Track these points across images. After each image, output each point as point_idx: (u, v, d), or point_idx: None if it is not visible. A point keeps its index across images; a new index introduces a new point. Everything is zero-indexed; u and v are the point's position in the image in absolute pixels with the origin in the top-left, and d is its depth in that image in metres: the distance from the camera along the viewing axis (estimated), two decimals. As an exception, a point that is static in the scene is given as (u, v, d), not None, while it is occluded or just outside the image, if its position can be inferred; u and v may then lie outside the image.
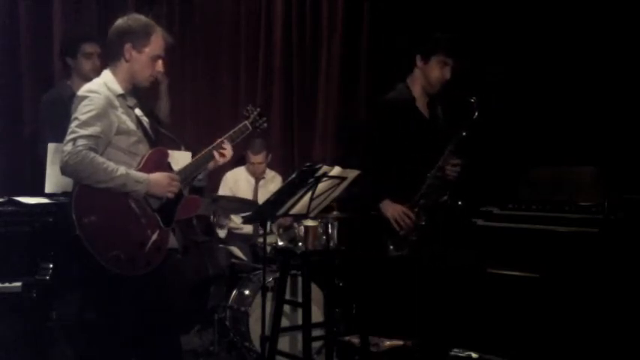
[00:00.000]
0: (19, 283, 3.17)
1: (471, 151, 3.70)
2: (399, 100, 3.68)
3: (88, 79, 3.09)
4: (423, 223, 3.57)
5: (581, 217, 3.87)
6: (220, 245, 4.76)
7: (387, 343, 4.06)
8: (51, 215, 3.29)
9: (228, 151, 3.10)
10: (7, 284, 3.16)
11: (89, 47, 4.04)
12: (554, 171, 4.34)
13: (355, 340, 3.94)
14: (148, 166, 2.88)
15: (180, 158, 3.12)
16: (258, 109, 3.32)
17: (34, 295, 3.18)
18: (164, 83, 4.20)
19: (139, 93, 3.09)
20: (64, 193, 3.37)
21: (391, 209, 3.55)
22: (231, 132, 3.16)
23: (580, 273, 3.73)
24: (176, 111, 4.72)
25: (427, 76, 3.65)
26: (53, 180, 3.45)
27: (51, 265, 3.23)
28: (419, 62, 3.66)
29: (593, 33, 4.61)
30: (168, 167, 2.98)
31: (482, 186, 4.67)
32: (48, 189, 3.47)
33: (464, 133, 3.57)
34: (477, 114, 3.55)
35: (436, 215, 3.59)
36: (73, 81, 4.10)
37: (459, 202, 3.66)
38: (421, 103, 3.73)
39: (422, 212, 3.57)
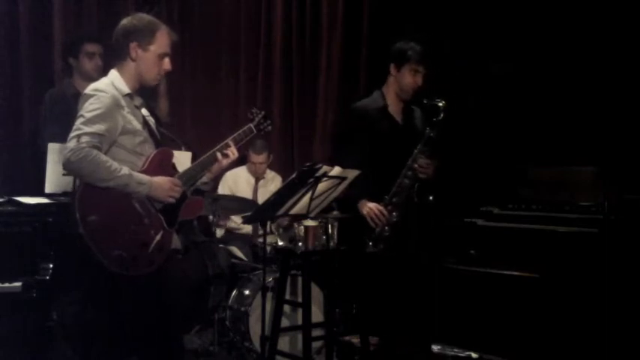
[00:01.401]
0: (19, 283, 3.17)
1: (444, 152, 3.86)
2: (370, 106, 3.88)
3: (90, 79, 3.09)
4: (396, 220, 3.73)
5: (581, 217, 3.87)
6: (220, 245, 4.76)
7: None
8: (51, 215, 3.28)
9: (233, 152, 3.09)
10: (7, 284, 3.16)
11: (91, 47, 4.05)
12: (554, 171, 4.35)
13: (355, 340, 3.94)
14: (153, 167, 2.88)
15: (180, 158, 3.12)
16: (263, 112, 3.32)
17: (34, 295, 3.17)
18: (163, 83, 4.20)
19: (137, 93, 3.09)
20: (64, 193, 3.37)
21: (366, 207, 3.72)
22: (235, 134, 3.15)
23: (580, 273, 3.73)
24: (176, 111, 4.72)
25: (400, 83, 3.84)
26: (53, 180, 3.45)
27: (51, 265, 3.23)
28: (392, 70, 3.86)
29: (593, 33, 4.61)
30: (172, 168, 2.98)
31: (482, 186, 4.68)
32: (48, 189, 3.47)
33: (431, 134, 3.76)
34: (442, 115, 3.73)
35: (408, 212, 3.77)
36: (75, 80, 4.10)
37: (430, 198, 3.77)
38: (394, 109, 3.91)
39: (395, 209, 3.73)
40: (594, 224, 3.76)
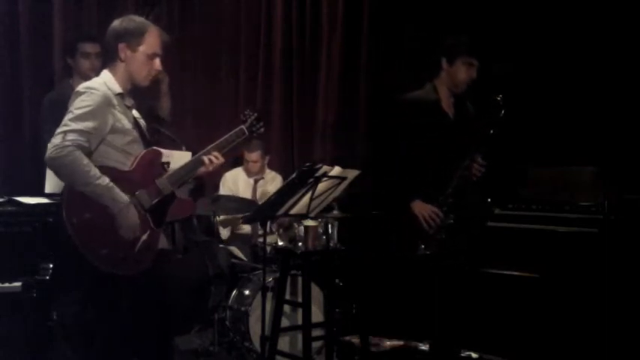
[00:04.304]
0: (19, 283, 3.17)
1: (493, 150, 3.69)
2: (423, 99, 3.70)
3: (88, 79, 3.09)
4: (452, 222, 3.56)
5: (581, 217, 3.87)
6: (220, 245, 4.76)
7: (387, 343, 4.06)
8: (51, 215, 3.28)
9: (217, 157, 3.05)
10: (7, 284, 3.16)
11: (87, 47, 4.04)
12: (554, 171, 4.34)
13: (355, 340, 3.94)
14: (141, 167, 2.88)
15: (180, 158, 3.11)
16: (256, 114, 3.27)
17: (34, 295, 3.18)
18: (165, 82, 4.20)
19: (139, 92, 3.09)
20: (64, 194, 3.37)
21: (421, 208, 3.55)
22: (226, 136, 3.13)
23: (580, 273, 3.73)
24: (176, 111, 4.72)
25: (453, 77, 3.67)
26: (53, 180, 3.45)
27: (51, 265, 3.23)
28: (444, 65, 3.69)
29: (593, 33, 4.61)
30: (161, 168, 2.97)
31: (482, 186, 4.67)
32: (48, 189, 3.48)
33: (491, 132, 3.57)
34: (503, 112, 3.56)
35: (464, 214, 3.60)
36: (75, 80, 4.10)
37: (488, 200, 3.65)
38: (446, 104, 3.73)
39: (450, 211, 3.56)
40: (594, 224, 3.76)
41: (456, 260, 3.56)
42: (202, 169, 3.06)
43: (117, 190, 2.75)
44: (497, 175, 4.64)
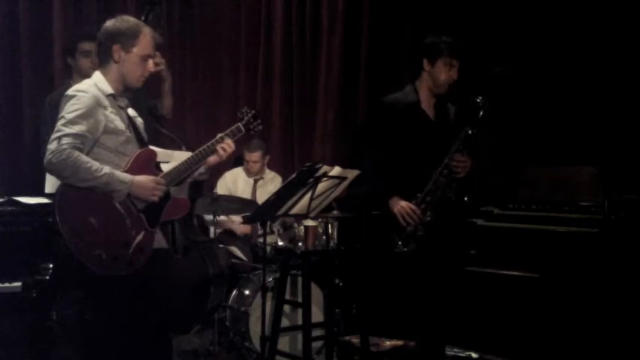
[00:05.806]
0: (19, 283, 3.17)
1: (479, 150, 3.69)
2: (402, 100, 3.71)
3: (88, 78, 3.09)
4: (429, 219, 3.56)
5: (581, 217, 3.87)
6: (220, 245, 4.76)
7: (387, 343, 4.06)
8: (51, 215, 3.28)
9: (229, 145, 3.07)
10: (7, 284, 3.16)
11: (87, 45, 4.04)
12: (554, 171, 4.34)
13: (355, 340, 3.94)
14: (135, 167, 2.88)
15: (180, 158, 3.11)
16: (253, 112, 3.26)
17: (34, 295, 3.18)
18: (168, 80, 4.19)
19: (138, 92, 3.08)
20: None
21: (398, 205, 3.56)
22: (222, 134, 3.14)
23: (580, 273, 3.73)
24: (176, 110, 4.72)
25: (434, 78, 3.67)
26: (53, 180, 3.44)
27: (51, 265, 3.23)
28: (426, 65, 3.68)
29: (593, 33, 4.61)
30: (155, 168, 2.97)
31: (483, 186, 4.68)
32: (48, 189, 3.47)
33: (469, 132, 3.58)
34: (482, 113, 3.57)
35: (443, 211, 3.60)
36: (75, 80, 4.09)
37: (465, 199, 3.68)
38: (427, 105, 3.74)
39: (428, 208, 3.57)
40: (594, 224, 3.76)
41: (443, 258, 3.60)
42: (214, 158, 3.08)
43: (118, 172, 2.79)
44: (497, 175, 4.67)
